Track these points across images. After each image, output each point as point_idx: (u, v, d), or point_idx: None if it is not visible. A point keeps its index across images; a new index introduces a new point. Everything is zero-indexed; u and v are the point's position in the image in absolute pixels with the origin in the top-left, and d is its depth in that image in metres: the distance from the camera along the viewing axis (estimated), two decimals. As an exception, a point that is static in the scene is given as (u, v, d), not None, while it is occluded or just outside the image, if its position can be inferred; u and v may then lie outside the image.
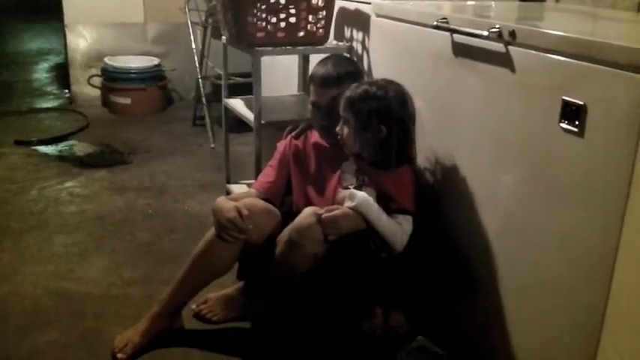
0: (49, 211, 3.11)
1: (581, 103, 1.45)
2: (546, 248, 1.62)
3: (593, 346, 1.49)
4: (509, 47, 1.68)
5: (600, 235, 1.45)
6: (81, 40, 4.98)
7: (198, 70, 4.40)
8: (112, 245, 2.78)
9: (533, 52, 1.60)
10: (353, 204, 1.89)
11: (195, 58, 4.43)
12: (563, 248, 1.56)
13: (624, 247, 1.40)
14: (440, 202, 2.03)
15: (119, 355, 2.01)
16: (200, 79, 4.38)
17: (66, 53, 5.05)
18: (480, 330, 1.92)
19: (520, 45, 1.65)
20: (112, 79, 4.79)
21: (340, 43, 2.66)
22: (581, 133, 1.47)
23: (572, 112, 1.48)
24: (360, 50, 2.55)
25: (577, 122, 1.47)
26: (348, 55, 2.51)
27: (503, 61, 1.69)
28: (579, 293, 1.53)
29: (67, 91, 5.18)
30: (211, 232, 2.05)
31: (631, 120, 1.34)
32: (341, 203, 1.93)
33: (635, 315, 1.50)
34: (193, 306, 2.23)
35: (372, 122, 1.93)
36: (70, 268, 2.58)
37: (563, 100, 1.50)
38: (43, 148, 3.99)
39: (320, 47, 2.56)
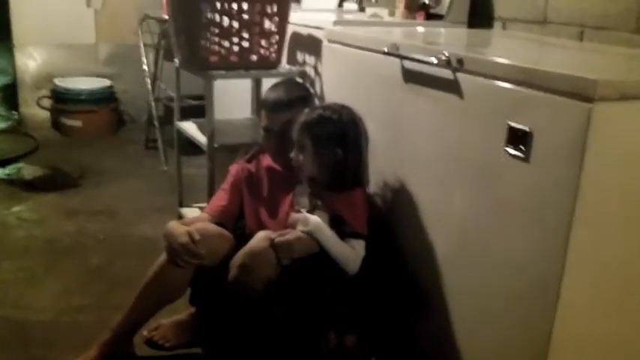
0: (-5, 236, 3.03)
1: (527, 129, 1.50)
2: (495, 269, 1.65)
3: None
4: (458, 74, 1.71)
5: (546, 258, 1.48)
6: (30, 61, 4.89)
7: (150, 92, 4.36)
8: (62, 271, 2.72)
9: (481, 78, 1.64)
10: (307, 229, 1.90)
11: (148, 80, 4.39)
12: (511, 269, 1.60)
13: (569, 269, 1.44)
14: (392, 225, 2.05)
15: (68, 385, 1.97)
16: (152, 102, 4.34)
17: (14, 74, 4.94)
18: (433, 351, 1.94)
19: (468, 72, 1.68)
20: (63, 101, 4.70)
21: (293, 68, 2.68)
22: (526, 159, 1.51)
23: (518, 138, 1.52)
24: (312, 75, 2.58)
25: (523, 147, 1.51)
26: (301, 80, 2.53)
27: (452, 87, 1.73)
28: (527, 313, 1.56)
29: (15, 112, 5.06)
30: (163, 257, 2.03)
31: (575, 146, 1.38)
32: (293, 227, 1.94)
33: (581, 334, 1.54)
34: (145, 332, 2.20)
35: (329, 146, 1.94)
36: (19, 294, 2.51)
37: (509, 125, 1.54)
38: (-11, 172, 3.89)
39: (273, 71, 2.58)
